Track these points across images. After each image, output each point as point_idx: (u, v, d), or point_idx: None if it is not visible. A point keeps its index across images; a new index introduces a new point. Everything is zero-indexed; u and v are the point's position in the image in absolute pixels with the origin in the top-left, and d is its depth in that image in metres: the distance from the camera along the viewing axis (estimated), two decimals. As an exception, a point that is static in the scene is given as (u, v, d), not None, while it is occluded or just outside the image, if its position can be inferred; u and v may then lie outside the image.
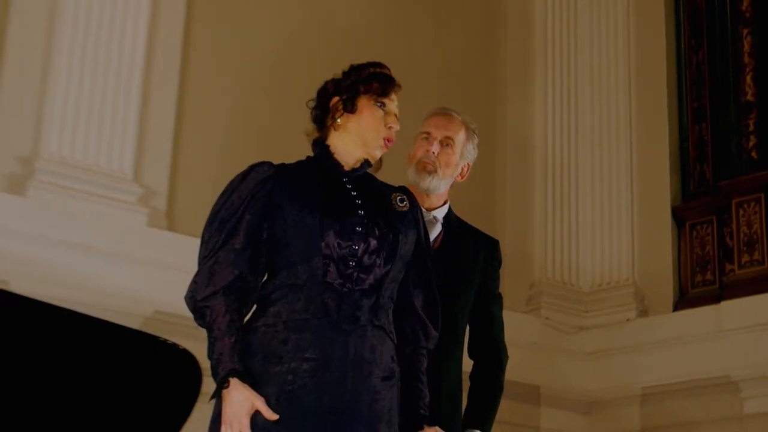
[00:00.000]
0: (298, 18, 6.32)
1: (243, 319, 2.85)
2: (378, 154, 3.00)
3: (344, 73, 3.04)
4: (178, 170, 5.76)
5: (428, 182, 3.58)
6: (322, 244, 2.82)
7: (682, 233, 6.98)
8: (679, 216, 7.00)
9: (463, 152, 3.68)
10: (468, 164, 3.72)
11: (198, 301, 2.84)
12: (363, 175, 3.03)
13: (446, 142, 3.63)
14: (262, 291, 2.91)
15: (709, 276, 6.82)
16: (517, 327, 6.71)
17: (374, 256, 2.86)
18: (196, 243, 2.98)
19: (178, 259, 5.05)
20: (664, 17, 7.29)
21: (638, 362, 6.60)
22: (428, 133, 3.66)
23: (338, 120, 2.98)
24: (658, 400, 6.54)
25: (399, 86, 3.06)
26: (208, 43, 6.06)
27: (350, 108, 2.99)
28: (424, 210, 3.36)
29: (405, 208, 3.00)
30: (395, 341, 2.91)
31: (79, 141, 5.38)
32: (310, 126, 3.07)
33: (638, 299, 6.83)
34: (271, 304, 2.84)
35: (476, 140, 3.72)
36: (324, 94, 3.04)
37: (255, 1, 6.30)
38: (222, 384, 2.74)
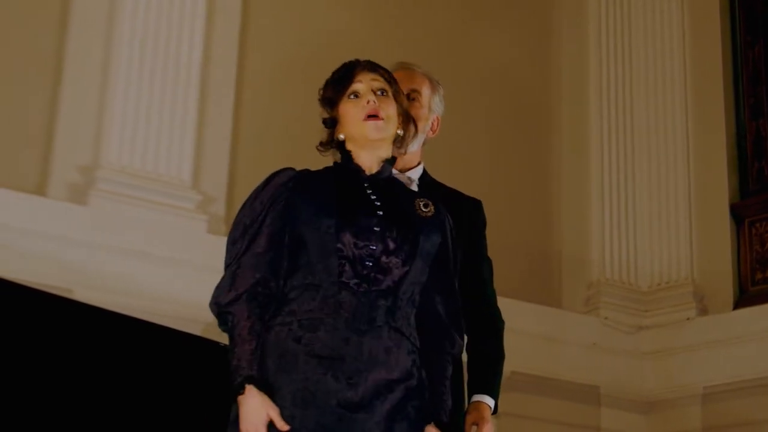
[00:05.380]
0: (353, 22, 6.35)
1: (264, 324, 2.82)
2: (372, 134, 2.93)
3: (320, 95, 3.05)
4: (236, 176, 5.79)
5: (412, 131, 3.24)
6: (339, 244, 2.80)
7: (741, 231, 6.93)
8: (737, 213, 6.95)
9: (431, 105, 3.50)
10: (437, 117, 3.53)
11: (221, 307, 2.83)
12: (388, 179, 3.00)
13: (412, 96, 3.43)
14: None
15: (769, 273, 6.78)
16: (576, 327, 6.72)
17: (392, 257, 2.82)
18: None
19: (238, 264, 5.09)
20: (719, 14, 7.24)
21: (699, 361, 6.56)
22: None
23: (339, 137, 2.99)
24: (720, 400, 6.49)
25: (367, 64, 3.01)
26: (264, 50, 6.10)
27: (331, 122, 3.00)
28: (397, 171, 3.28)
29: (429, 213, 2.96)
30: (417, 345, 2.87)
31: (138, 149, 5.45)
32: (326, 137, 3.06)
33: (698, 298, 6.79)
34: (287, 303, 2.82)
35: (442, 92, 3.55)
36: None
37: (309, 7, 6.34)
38: (239, 390, 2.73)
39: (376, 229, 2.83)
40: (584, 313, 6.79)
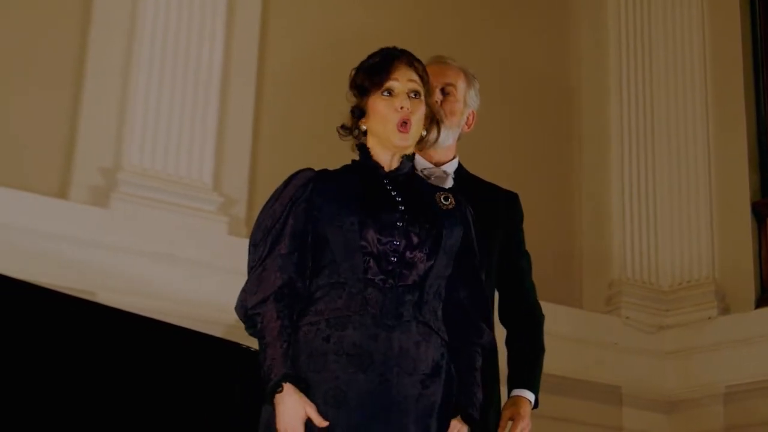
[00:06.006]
0: (373, 20, 6.35)
1: (293, 325, 2.81)
2: (400, 142, 2.92)
3: (351, 77, 3.01)
4: (257, 178, 5.80)
5: (435, 134, 3.15)
6: (362, 241, 2.80)
7: (762, 229, 6.90)
8: (759, 211, 6.92)
9: (466, 99, 3.48)
10: (473, 112, 3.52)
11: (248, 310, 2.83)
12: (408, 174, 3.00)
13: (447, 90, 3.43)
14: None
15: (790, 272, 6.76)
16: (597, 327, 6.70)
17: (417, 252, 2.83)
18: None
19: (259, 266, 5.10)
20: (739, 10, 7.21)
21: (721, 361, 6.54)
22: None
23: (362, 127, 2.98)
24: (743, 399, 6.47)
25: (405, 58, 2.97)
26: (284, 53, 6.11)
27: (359, 113, 2.98)
28: (432, 165, 3.32)
29: (450, 206, 2.96)
30: (445, 338, 2.87)
31: (159, 152, 5.47)
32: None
33: (719, 297, 6.77)
34: (313, 303, 2.82)
35: (477, 86, 3.53)
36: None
37: (329, 6, 6.35)
38: (275, 389, 2.73)
39: (399, 224, 2.84)
40: (605, 312, 6.78)
